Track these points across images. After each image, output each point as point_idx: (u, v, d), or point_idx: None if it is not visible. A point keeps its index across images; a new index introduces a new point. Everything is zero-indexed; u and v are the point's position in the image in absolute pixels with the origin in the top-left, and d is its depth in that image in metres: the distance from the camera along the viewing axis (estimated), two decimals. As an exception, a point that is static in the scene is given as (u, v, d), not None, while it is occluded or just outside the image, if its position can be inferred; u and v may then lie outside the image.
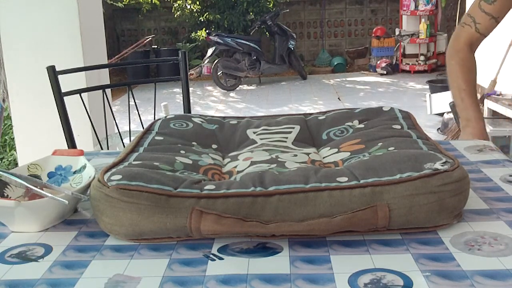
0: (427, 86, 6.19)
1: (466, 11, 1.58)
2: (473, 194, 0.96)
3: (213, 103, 6.98)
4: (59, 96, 1.73)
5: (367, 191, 0.80)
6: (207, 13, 8.49)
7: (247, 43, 7.67)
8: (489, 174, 1.06)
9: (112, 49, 8.30)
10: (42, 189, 0.91)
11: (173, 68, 7.67)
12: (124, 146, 1.94)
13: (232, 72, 7.55)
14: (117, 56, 7.45)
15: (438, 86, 5.82)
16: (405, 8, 7.81)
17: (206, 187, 0.84)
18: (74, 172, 1.04)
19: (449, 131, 4.45)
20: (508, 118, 3.86)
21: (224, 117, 1.27)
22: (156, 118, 1.29)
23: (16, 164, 3.44)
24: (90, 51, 2.64)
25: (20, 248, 0.83)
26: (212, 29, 8.30)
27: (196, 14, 8.61)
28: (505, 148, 3.61)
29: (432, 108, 5.11)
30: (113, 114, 1.99)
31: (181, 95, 1.94)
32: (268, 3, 8.52)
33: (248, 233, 0.80)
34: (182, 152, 1.04)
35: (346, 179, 0.84)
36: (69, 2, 2.55)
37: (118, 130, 2.02)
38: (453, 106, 1.60)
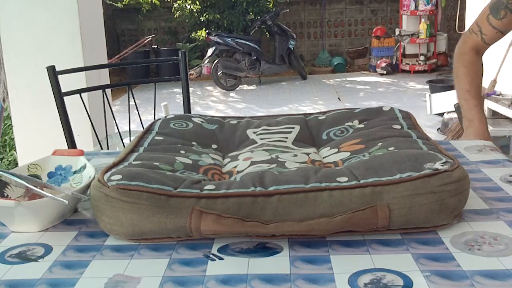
0: (427, 86, 6.19)
1: (476, 17, 1.62)
2: (473, 194, 0.96)
3: (213, 103, 6.98)
4: (59, 96, 1.73)
5: (367, 191, 0.80)
6: (207, 13, 8.48)
7: (247, 43, 7.67)
8: (489, 174, 1.06)
9: (112, 49, 8.29)
10: (42, 189, 0.91)
11: (173, 68, 7.64)
12: (124, 146, 1.94)
13: (232, 72, 7.55)
14: (117, 56, 7.44)
15: (438, 86, 5.82)
16: (405, 8, 7.81)
17: (206, 187, 0.84)
18: (74, 172, 1.04)
19: (449, 131, 4.44)
20: (508, 118, 3.86)
21: (224, 117, 1.27)
22: (156, 118, 1.28)
23: (16, 164, 3.44)
24: (90, 51, 2.64)
25: (20, 248, 0.83)
26: (212, 29, 8.30)
27: (196, 14, 8.60)
28: (505, 148, 3.61)
29: (432, 108, 5.10)
30: (113, 114, 1.99)
31: (181, 95, 1.94)
32: (268, 3, 8.51)
33: (248, 233, 0.80)
34: (182, 152, 1.04)
35: (346, 179, 0.84)
36: (69, 2, 2.55)
37: (118, 130, 2.02)
38: (457, 107, 1.64)
